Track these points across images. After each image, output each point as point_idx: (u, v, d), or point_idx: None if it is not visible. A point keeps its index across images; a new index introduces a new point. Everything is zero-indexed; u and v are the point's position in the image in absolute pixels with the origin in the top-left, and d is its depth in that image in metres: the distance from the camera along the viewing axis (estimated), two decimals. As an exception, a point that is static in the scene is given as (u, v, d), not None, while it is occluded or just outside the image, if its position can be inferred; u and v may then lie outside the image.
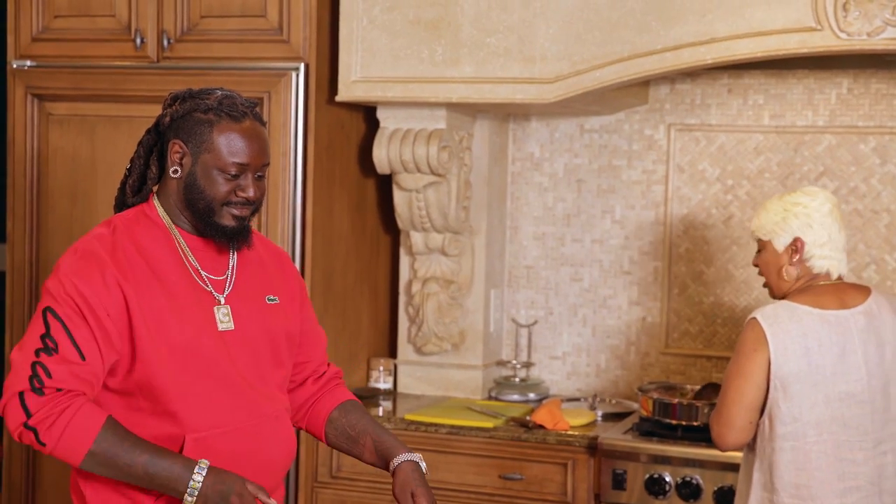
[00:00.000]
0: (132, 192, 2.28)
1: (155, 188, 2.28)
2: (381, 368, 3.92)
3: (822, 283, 2.67)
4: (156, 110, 3.68)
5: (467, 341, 3.93)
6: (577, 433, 3.40)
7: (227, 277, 2.25)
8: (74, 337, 2.08)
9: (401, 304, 4.00)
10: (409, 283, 3.95)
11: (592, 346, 4.00)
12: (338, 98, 3.60)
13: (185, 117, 2.19)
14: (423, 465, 2.28)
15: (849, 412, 2.58)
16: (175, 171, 2.20)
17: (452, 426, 3.49)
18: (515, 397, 3.86)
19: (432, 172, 3.68)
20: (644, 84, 3.84)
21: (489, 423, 3.48)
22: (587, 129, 3.98)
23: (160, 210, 2.24)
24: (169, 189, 2.23)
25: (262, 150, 2.21)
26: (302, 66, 3.56)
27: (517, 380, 3.94)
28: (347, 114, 3.79)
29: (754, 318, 2.61)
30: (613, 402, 3.81)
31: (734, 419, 2.60)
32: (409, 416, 3.55)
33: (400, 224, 3.86)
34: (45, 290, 2.14)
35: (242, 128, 2.19)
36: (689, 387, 3.61)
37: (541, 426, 3.44)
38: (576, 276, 4.01)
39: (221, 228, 2.21)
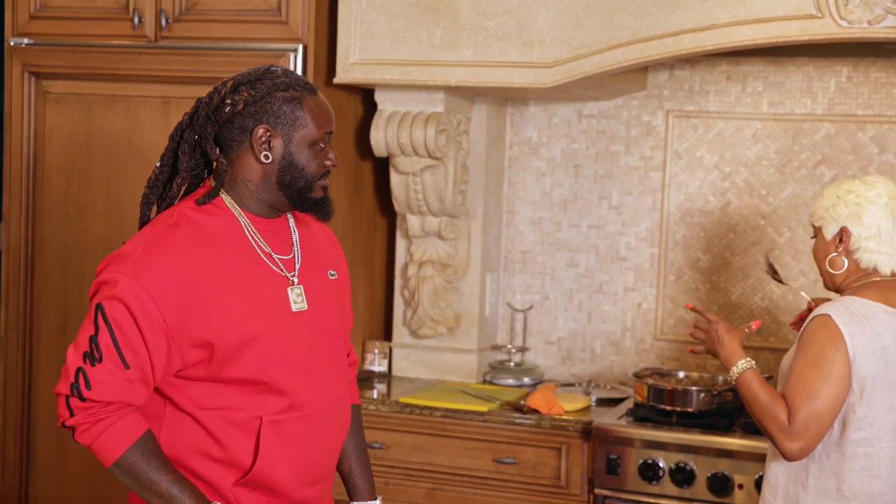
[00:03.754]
0: (177, 191, 2.19)
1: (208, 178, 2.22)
2: (377, 351, 3.92)
3: (876, 279, 2.51)
4: (153, 90, 3.72)
5: (462, 325, 3.93)
6: (571, 418, 3.40)
7: (293, 256, 2.22)
8: (120, 344, 2.03)
9: (396, 288, 4.00)
10: (406, 267, 3.95)
11: (588, 331, 4.00)
12: (335, 80, 3.59)
13: (266, 99, 2.12)
14: None
15: None
16: (266, 157, 2.12)
17: (447, 409, 3.49)
18: (510, 381, 3.86)
19: (429, 156, 3.67)
20: (643, 70, 3.83)
21: (483, 407, 3.48)
22: (585, 115, 3.98)
23: (224, 196, 2.17)
24: (246, 174, 2.15)
25: (334, 115, 2.23)
26: (300, 47, 3.55)
27: (512, 364, 3.94)
28: (345, 96, 3.78)
29: (827, 316, 2.43)
30: (608, 387, 3.82)
31: (826, 429, 2.41)
32: (403, 399, 3.55)
33: (397, 207, 3.85)
34: (101, 281, 2.08)
35: (320, 98, 2.19)
36: (682, 373, 3.61)
37: (535, 410, 3.44)
38: (572, 261, 4.01)
39: (314, 201, 2.18)
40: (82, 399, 2.04)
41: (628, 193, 3.94)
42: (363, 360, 3.96)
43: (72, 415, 2.06)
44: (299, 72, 3.54)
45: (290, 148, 2.14)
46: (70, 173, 3.77)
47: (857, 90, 3.69)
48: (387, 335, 4.10)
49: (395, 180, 3.78)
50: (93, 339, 2.04)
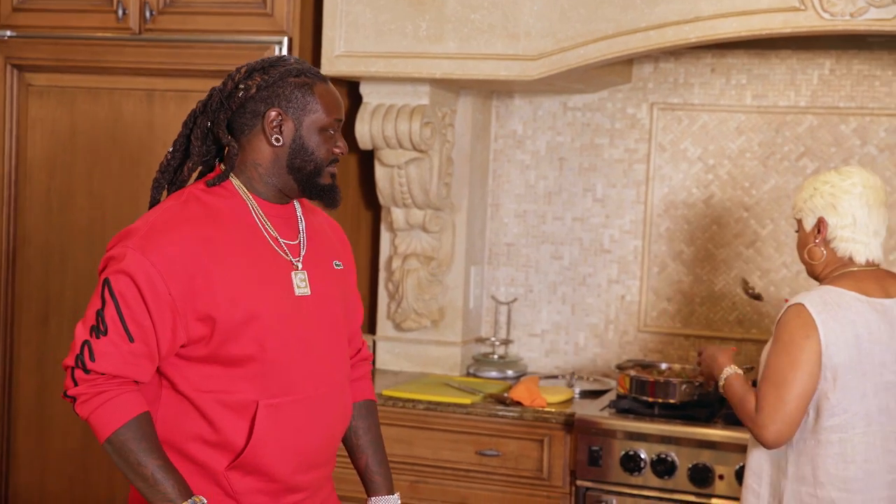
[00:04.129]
0: (188, 174, 2.24)
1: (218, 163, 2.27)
2: (361, 344, 3.92)
3: (855, 268, 2.55)
4: (137, 82, 3.71)
5: (447, 318, 3.94)
6: (554, 410, 3.41)
7: (299, 242, 2.26)
8: (125, 317, 2.07)
9: (381, 280, 4.00)
10: (390, 259, 3.95)
11: (571, 323, 4.01)
12: (321, 73, 3.58)
13: (279, 84, 2.17)
14: None
15: (894, 402, 2.50)
16: (277, 140, 2.17)
17: (430, 402, 3.49)
18: (494, 374, 3.87)
19: (414, 148, 3.67)
20: (627, 62, 3.84)
21: (467, 400, 3.49)
22: (570, 108, 3.98)
23: (234, 180, 2.21)
24: (257, 158, 2.19)
25: (343, 105, 2.27)
26: (285, 39, 3.54)
27: (496, 357, 3.95)
28: (330, 88, 3.77)
29: (801, 304, 2.47)
30: (591, 379, 3.83)
31: (795, 415, 2.45)
32: (386, 392, 3.56)
33: (381, 200, 3.85)
34: (109, 257, 2.12)
35: (330, 87, 2.24)
36: (665, 365, 3.63)
37: (518, 403, 3.45)
38: (556, 253, 4.02)
39: (323, 187, 2.22)
40: (86, 371, 2.07)
41: (612, 186, 3.94)
42: (347, 352, 3.96)
43: (75, 385, 2.08)
44: (283, 64, 3.53)
45: (301, 132, 2.18)
46: (53, 166, 3.76)
47: (840, 83, 3.71)
48: (371, 328, 4.10)
49: (380, 173, 3.78)
50: (99, 313, 2.07)
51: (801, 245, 2.62)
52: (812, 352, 2.44)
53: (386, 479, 2.42)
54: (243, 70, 2.22)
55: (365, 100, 3.69)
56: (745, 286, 3.35)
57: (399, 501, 2.41)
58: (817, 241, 2.57)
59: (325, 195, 2.24)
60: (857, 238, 2.54)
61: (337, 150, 2.23)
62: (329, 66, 3.57)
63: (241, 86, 2.19)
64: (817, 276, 2.61)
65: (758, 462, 2.59)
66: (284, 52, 3.54)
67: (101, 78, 3.70)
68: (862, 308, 2.49)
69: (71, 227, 3.75)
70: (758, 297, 2.98)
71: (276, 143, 2.18)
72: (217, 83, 2.26)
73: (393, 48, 3.52)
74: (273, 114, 2.17)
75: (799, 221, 2.62)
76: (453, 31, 3.46)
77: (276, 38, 3.54)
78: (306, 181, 2.21)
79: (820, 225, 2.57)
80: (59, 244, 3.76)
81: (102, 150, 3.72)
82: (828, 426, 2.47)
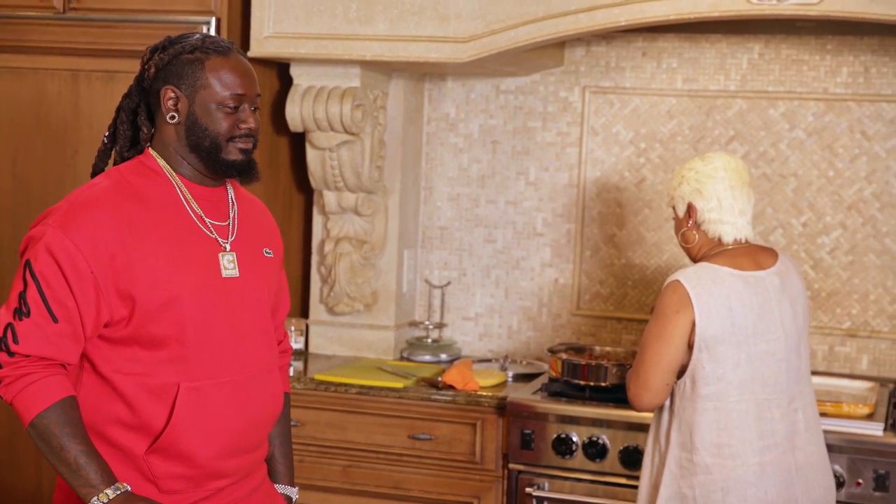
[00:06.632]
0: (120, 158, 2.25)
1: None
2: (293, 328, 3.89)
3: (729, 247, 2.69)
4: (62, 62, 3.64)
5: (380, 302, 3.92)
6: (486, 393, 3.41)
7: (229, 224, 2.24)
8: (47, 298, 2.05)
9: (313, 264, 3.97)
10: (322, 243, 3.92)
11: (505, 307, 4.01)
12: (249, 54, 3.53)
13: (173, 62, 2.18)
14: (296, 498, 2.44)
15: (767, 371, 2.62)
16: (172, 117, 2.18)
17: (362, 386, 3.48)
18: (427, 358, 3.86)
19: (346, 131, 3.64)
20: (559, 45, 3.84)
21: (399, 384, 3.47)
22: (503, 91, 3.97)
23: (159, 160, 2.21)
24: (166, 138, 2.20)
25: (254, 81, 2.23)
26: (213, 20, 3.49)
27: (429, 340, 3.94)
28: (260, 70, 3.71)
29: (677, 281, 2.62)
30: (524, 362, 3.83)
31: (652, 381, 2.62)
32: (318, 377, 3.53)
33: (313, 183, 3.82)
34: (29, 237, 2.11)
35: (231, 61, 2.20)
36: (598, 348, 3.64)
37: (451, 387, 3.44)
38: (489, 237, 4.02)
39: (230, 164, 2.20)
40: (10, 354, 2.04)
41: (545, 169, 3.94)
42: (279, 337, 3.92)
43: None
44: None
45: (194, 108, 2.18)
46: (-25, 148, 3.68)
47: (769, 67, 3.73)
48: (303, 312, 4.07)
49: (312, 156, 3.75)
50: (21, 295, 2.05)
51: (677, 230, 2.78)
52: (680, 326, 2.59)
53: (289, 470, 2.44)
54: (148, 51, 2.23)
55: (295, 81, 3.65)
56: None
57: (297, 496, 2.44)
58: (690, 225, 2.73)
59: (235, 171, 2.22)
60: (724, 219, 2.69)
61: (244, 126, 2.20)
62: (258, 48, 3.53)
63: (146, 66, 2.21)
64: (694, 258, 2.77)
65: (653, 431, 2.74)
66: (213, 32, 3.49)
67: (25, 57, 3.63)
68: (735, 282, 2.62)
69: (-6, 211, 3.68)
70: None
71: (171, 121, 2.18)
72: None
73: (322, 29, 3.48)
74: (167, 93, 2.18)
75: (673, 209, 2.78)
76: (383, 12, 3.44)
77: (203, 17, 3.49)
78: (209, 158, 2.20)
79: (690, 210, 2.72)
80: (-18, 228, 3.69)
81: (26, 131, 3.64)
82: (703, 394, 2.60)
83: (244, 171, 2.23)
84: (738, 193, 2.70)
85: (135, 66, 2.37)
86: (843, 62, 3.67)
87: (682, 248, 2.79)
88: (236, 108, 2.19)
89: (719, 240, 2.70)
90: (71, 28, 3.58)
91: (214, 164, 2.20)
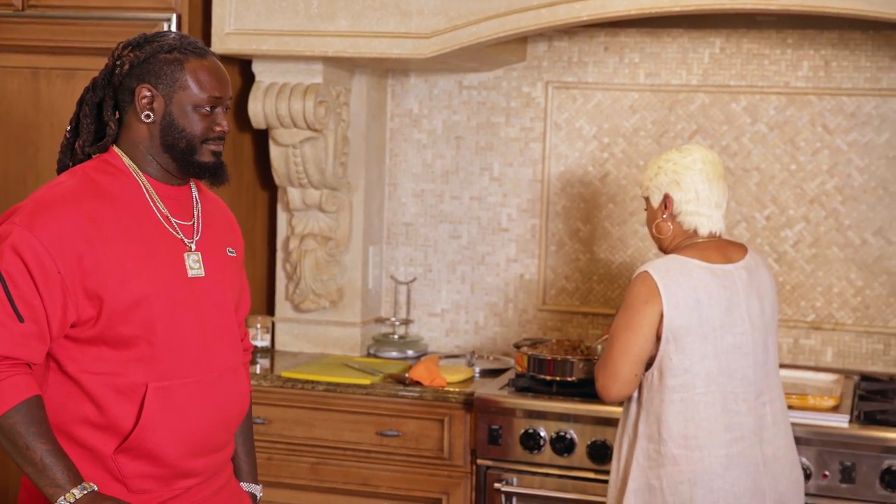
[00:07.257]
0: (82, 153, 2.23)
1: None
2: (259, 326, 3.87)
3: (701, 239, 2.70)
4: (21, 60, 3.60)
5: (345, 298, 3.91)
6: (454, 389, 3.41)
7: (193, 224, 2.24)
8: (13, 297, 2.02)
9: (278, 261, 3.95)
10: (287, 240, 3.90)
11: (471, 303, 4.01)
12: (204, 48, 3.50)
13: (149, 60, 2.16)
14: (260, 496, 2.44)
15: (735, 364, 2.63)
16: (147, 116, 2.16)
17: (329, 383, 3.47)
18: (394, 354, 3.86)
19: (309, 128, 3.63)
20: (522, 41, 3.84)
21: (366, 380, 3.47)
22: (466, 86, 3.97)
23: (125, 158, 2.19)
24: (136, 136, 2.19)
25: (229, 84, 2.23)
26: (174, 16, 3.47)
27: (396, 337, 3.93)
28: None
29: (646, 272, 2.62)
30: (491, 358, 3.84)
31: (620, 372, 2.62)
32: (285, 374, 3.52)
33: (277, 180, 3.80)
34: None
35: (209, 63, 2.19)
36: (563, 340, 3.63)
37: (418, 383, 3.44)
38: (454, 233, 4.01)
39: (202, 166, 2.20)
40: None
41: (509, 165, 3.95)
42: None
43: None
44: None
45: (171, 108, 2.17)
46: (-67, 147, 3.64)
47: (731, 61, 3.76)
48: (269, 309, 4.05)
49: (275, 153, 3.73)
50: None
51: (650, 221, 2.78)
52: (648, 316, 2.59)
53: (252, 468, 2.44)
54: (120, 46, 2.20)
55: (257, 78, 3.64)
56: None
57: (262, 493, 2.44)
58: (665, 216, 2.72)
59: (207, 173, 2.22)
60: (701, 211, 2.69)
61: (218, 129, 2.20)
62: (219, 44, 3.51)
63: (118, 62, 2.18)
64: (665, 249, 2.77)
65: (622, 423, 2.74)
66: (173, 28, 3.46)
67: (-17, 56, 3.59)
68: (703, 275, 2.62)
69: (-47, 212, 3.63)
70: None
71: (146, 120, 2.17)
72: (104, 61, 2.23)
73: (284, 26, 3.47)
74: (143, 91, 2.16)
75: (647, 199, 2.78)
76: (345, 8, 3.42)
77: (164, 14, 3.47)
78: (182, 159, 2.19)
79: (666, 201, 2.71)
80: (-59, 229, 3.63)
81: (-15, 131, 3.60)
82: (670, 385, 2.61)
83: (215, 174, 2.22)
84: (715, 186, 2.70)
85: (96, 62, 2.36)
86: (804, 56, 3.70)
87: (654, 238, 2.78)
88: (212, 109, 2.19)
89: (694, 231, 2.70)
90: (30, 25, 3.54)
91: (187, 165, 2.19)
